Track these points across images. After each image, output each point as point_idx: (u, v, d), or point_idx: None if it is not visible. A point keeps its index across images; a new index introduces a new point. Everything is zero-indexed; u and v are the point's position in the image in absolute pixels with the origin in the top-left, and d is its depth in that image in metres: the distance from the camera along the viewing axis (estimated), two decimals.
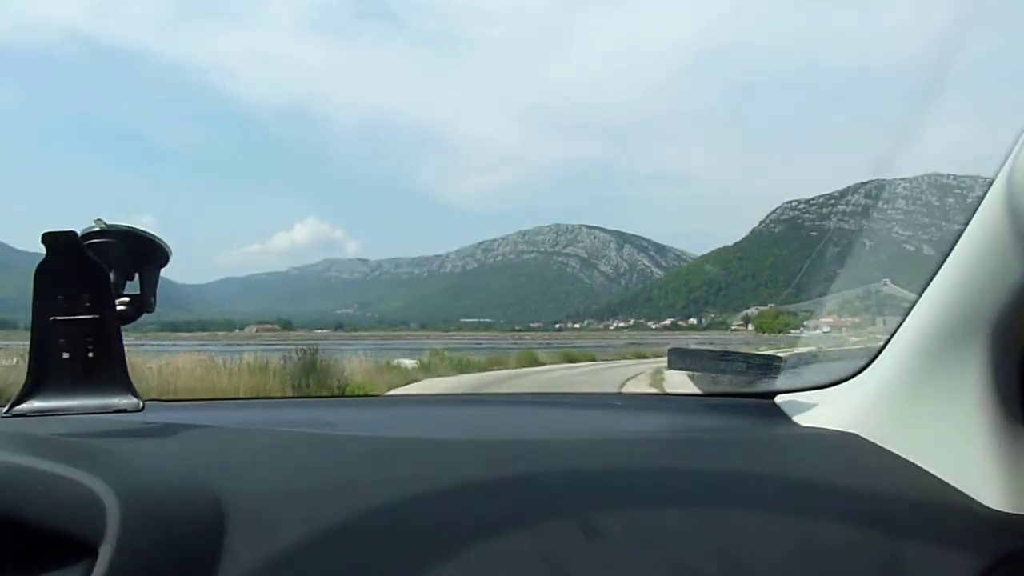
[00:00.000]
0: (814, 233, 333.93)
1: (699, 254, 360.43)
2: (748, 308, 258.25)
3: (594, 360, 35.40)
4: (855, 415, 1.09)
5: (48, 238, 0.89)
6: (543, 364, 30.72)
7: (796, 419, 1.21)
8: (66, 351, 0.93)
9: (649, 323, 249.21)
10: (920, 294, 0.99)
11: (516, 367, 28.41)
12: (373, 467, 0.94)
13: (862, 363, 1.15)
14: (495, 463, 0.97)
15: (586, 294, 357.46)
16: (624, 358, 36.95)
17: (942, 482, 0.91)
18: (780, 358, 1.33)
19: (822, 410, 1.18)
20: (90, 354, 0.93)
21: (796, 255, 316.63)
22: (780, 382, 1.34)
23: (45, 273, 0.90)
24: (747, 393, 1.45)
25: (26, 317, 0.89)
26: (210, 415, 1.42)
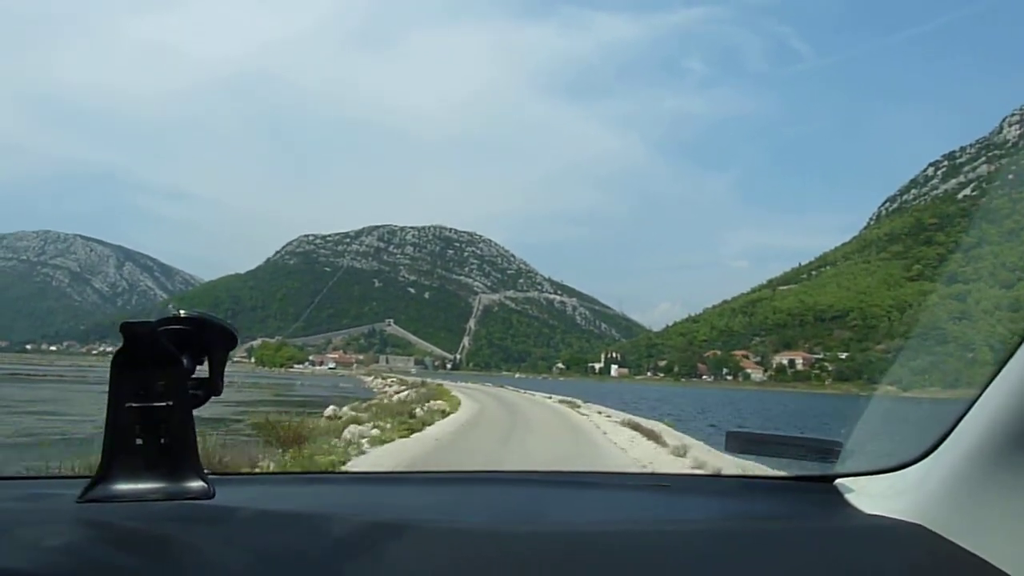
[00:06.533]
0: (327, 269, 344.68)
1: (209, 279, 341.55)
2: (254, 340, 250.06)
3: None
4: (919, 504, 1.04)
5: (125, 328, 0.89)
6: None
7: (857, 505, 1.17)
8: (140, 437, 0.93)
9: None
10: (994, 376, 0.96)
11: None
12: (448, 559, 0.93)
13: (926, 447, 1.11)
14: (548, 556, 0.95)
15: (74, 312, 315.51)
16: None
17: None
18: (840, 441, 1.30)
19: (884, 496, 1.14)
20: (163, 440, 0.94)
21: (308, 288, 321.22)
22: (840, 464, 1.31)
23: (122, 361, 0.90)
24: (806, 476, 1.40)
25: None
26: (280, 493, 1.43)
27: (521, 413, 27.39)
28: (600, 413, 27.98)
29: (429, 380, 63.40)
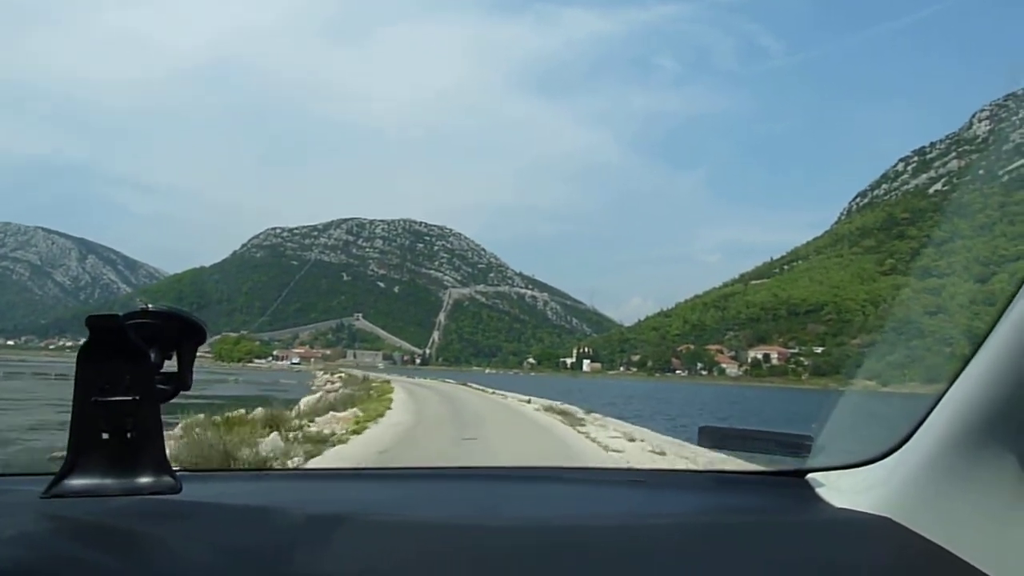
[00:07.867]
0: (295, 262, 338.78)
1: (174, 272, 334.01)
2: (219, 334, 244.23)
3: None
4: (887, 498, 1.06)
5: (91, 321, 0.88)
6: None
7: (827, 499, 1.19)
8: (105, 431, 0.92)
9: None
10: (960, 371, 0.97)
11: None
12: (415, 553, 0.94)
13: (895, 441, 1.12)
14: (522, 550, 0.96)
15: (34, 306, 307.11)
16: None
17: (977, 571, 0.88)
18: (811, 436, 1.32)
19: (854, 491, 1.16)
20: (129, 434, 0.92)
21: (275, 282, 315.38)
22: (811, 459, 1.33)
23: (88, 355, 0.89)
24: (778, 471, 1.42)
25: None
26: (247, 489, 1.44)
27: (480, 442, 14.96)
28: (635, 442, 15.40)
29: (375, 375, 57.11)
